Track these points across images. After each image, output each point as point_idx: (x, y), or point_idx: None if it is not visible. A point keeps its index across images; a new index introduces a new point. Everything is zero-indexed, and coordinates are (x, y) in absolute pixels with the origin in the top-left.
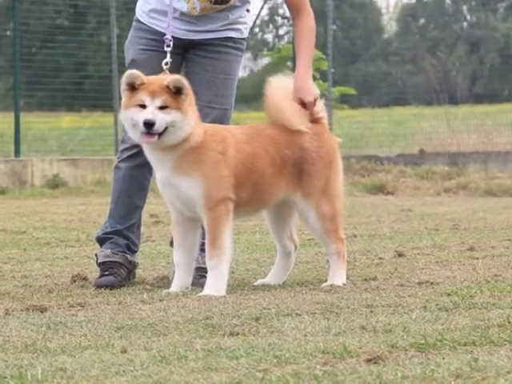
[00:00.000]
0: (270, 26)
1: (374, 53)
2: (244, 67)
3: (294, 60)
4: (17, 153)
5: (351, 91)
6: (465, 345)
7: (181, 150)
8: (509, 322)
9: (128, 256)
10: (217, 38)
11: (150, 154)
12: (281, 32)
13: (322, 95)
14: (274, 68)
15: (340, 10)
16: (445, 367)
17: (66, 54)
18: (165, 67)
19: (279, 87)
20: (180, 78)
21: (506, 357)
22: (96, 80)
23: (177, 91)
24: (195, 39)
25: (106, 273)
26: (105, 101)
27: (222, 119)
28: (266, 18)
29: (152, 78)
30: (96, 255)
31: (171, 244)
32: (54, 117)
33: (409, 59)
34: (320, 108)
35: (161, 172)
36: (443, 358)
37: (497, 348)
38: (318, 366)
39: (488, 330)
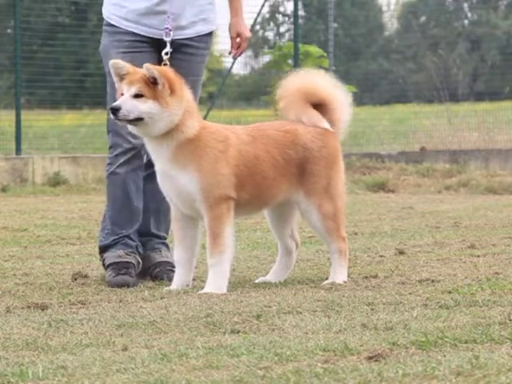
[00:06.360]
0: (271, 23)
1: (375, 50)
2: (245, 65)
3: (294, 58)
4: (18, 150)
5: (352, 89)
6: (466, 342)
7: (175, 140)
8: (510, 320)
9: (138, 258)
10: (189, 39)
11: (148, 145)
12: (282, 30)
13: None
14: (274, 66)
15: (341, 8)
16: (446, 365)
17: (67, 51)
18: (165, 57)
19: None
20: (154, 69)
21: (507, 354)
22: (97, 78)
23: (154, 81)
24: (172, 39)
25: (122, 272)
26: (106, 98)
27: None
28: (267, 15)
29: (137, 68)
30: (103, 258)
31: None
32: (55, 114)
33: (410, 57)
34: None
35: (159, 164)
36: (444, 356)
37: (498, 346)
38: (318, 364)
39: (489, 328)
